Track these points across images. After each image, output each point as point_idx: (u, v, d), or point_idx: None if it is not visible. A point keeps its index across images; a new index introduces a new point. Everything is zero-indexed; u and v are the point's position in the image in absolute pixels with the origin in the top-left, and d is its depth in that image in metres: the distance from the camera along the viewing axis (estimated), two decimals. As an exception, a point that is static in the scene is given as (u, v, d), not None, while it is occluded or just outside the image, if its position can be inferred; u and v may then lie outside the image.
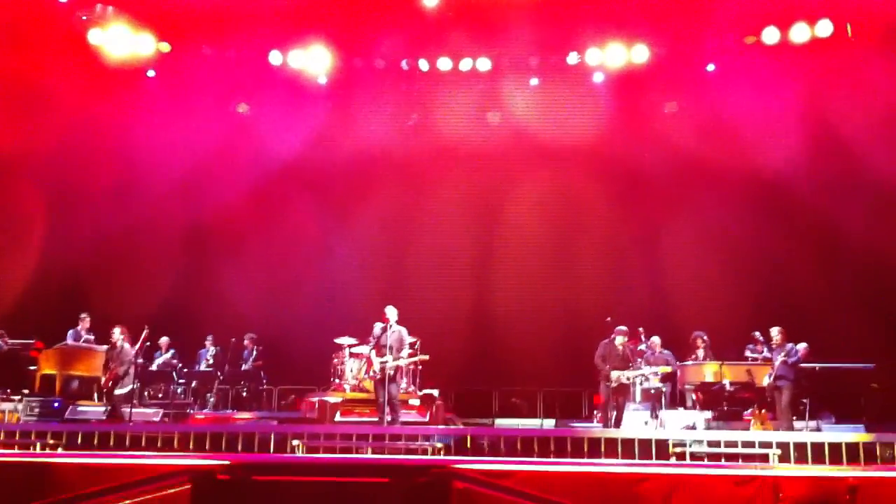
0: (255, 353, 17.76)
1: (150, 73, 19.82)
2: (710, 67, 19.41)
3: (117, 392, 15.30)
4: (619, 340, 15.17)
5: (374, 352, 14.89)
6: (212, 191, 19.87)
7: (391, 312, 14.92)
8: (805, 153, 18.53)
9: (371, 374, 14.96)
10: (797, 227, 18.89)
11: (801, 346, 15.29)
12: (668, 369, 15.74)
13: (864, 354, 16.22)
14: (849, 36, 17.94)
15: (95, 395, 16.22)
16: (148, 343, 15.84)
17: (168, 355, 17.53)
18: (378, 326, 15.11)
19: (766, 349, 15.73)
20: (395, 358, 14.66)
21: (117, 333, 15.49)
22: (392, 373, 14.63)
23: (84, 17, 18.54)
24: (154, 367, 17.22)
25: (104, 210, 19.42)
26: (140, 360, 15.90)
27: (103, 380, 15.44)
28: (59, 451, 13.30)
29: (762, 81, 19.04)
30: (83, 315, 16.83)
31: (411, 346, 15.26)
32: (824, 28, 17.96)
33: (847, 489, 10.58)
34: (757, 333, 16.04)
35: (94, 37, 18.78)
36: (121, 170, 19.68)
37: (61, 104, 18.62)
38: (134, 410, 15.00)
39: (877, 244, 17.72)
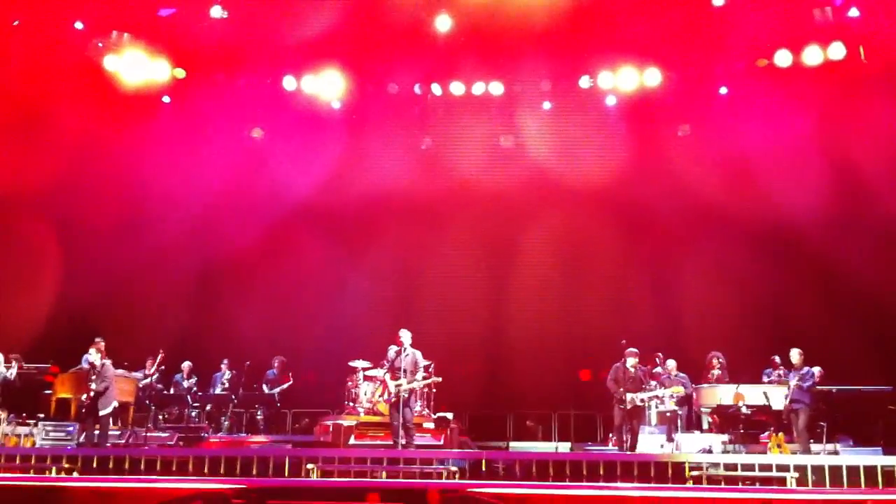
0: (290, 377, 17.81)
1: (166, 100, 19.92)
2: (723, 91, 19.38)
3: (102, 412, 15.00)
4: (631, 362, 15.12)
5: (388, 375, 14.89)
6: (225, 219, 19.97)
7: (405, 336, 14.91)
8: (815, 183, 18.40)
9: (386, 397, 14.94)
10: (807, 256, 18.78)
11: (816, 370, 15.21)
12: (682, 391, 15.67)
13: (881, 378, 16.11)
14: (862, 59, 17.88)
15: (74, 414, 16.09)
16: (163, 367, 15.86)
17: (192, 381, 17.55)
18: (392, 350, 15.12)
19: (782, 372, 15.65)
20: (409, 381, 14.64)
21: (93, 353, 15.20)
22: (406, 395, 14.61)
23: (100, 44, 18.67)
24: (182, 390, 17.21)
25: (119, 239, 19.45)
26: (151, 381, 15.92)
27: (83, 397, 14.97)
28: (75, 475, 13.30)
29: (774, 105, 19.04)
30: (98, 339, 16.84)
31: (425, 368, 15.24)
32: (837, 51, 17.93)
33: (866, 512, 10.52)
34: (776, 358, 15.96)
35: (110, 63, 18.91)
36: (135, 199, 19.79)
37: (76, 132, 18.72)
38: (149, 434, 15.00)
39: (886, 272, 17.62)
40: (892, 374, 16.26)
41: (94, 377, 14.96)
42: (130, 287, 19.35)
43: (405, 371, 14.65)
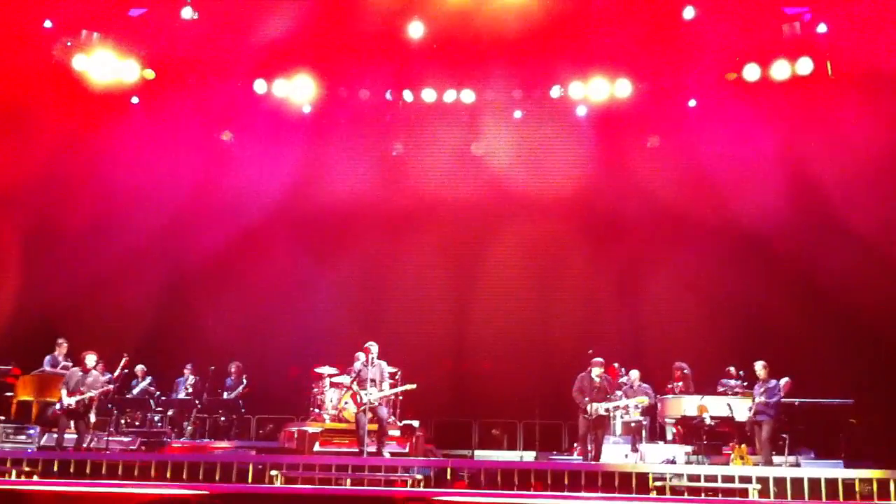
0: (244, 381, 17.73)
1: (135, 101, 19.75)
2: (692, 103, 19.52)
3: (93, 419, 15.07)
4: (596, 372, 15.13)
5: (356, 385, 14.87)
6: (193, 222, 19.84)
7: (374, 348, 14.95)
8: (783, 194, 18.60)
9: (360, 404, 14.89)
10: (774, 268, 18.93)
11: (784, 381, 15.32)
12: (646, 400, 15.74)
13: (843, 391, 16.29)
14: (829, 75, 18.08)
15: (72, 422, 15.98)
16: (126, 371, 15.72)
17: (145, 383, 17.42)
18: (359, 362, 15.13)
19: (739, 382, 15.80)
20: (379, 390, 14.65)
21: (93, 360, 15.23)
22: (376, 404, 14.63)
23: (69, 43, 18.48)
24: (135, 394, 17.09)
25: (85, 241, 19.28)
26: (112, 387, 15.80)
27: (66, 402, 14.85)
28: (35, 478, 13.14)
29: (743, 119, 19.17)
30: (60, 341, 16.70)
31: (391, 376, 15.24)
32: (805, 66, 18.12)
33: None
34: (731, 368, 16.08)
35: (79, 63, 18.72)
36: (103, 200, 19.57)
37: (44, 132, 18.48)
38: (110, 439, 14.86)
39: (852, 285, 17.77)
40: (854, 387, 16.43)
41: (89, 381, 14.93)
42: (95, 289, 19.12)
43: (373, 381, 14.69)
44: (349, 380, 15.40)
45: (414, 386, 15.11)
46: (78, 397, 14.83)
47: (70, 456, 13.92)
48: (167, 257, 19.79)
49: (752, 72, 18.48)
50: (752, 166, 19.00)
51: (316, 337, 18.95)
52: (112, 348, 16.99)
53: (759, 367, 15.17)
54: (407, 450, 15.37)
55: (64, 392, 14.90)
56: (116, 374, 15.41)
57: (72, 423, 14.96)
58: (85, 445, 14.94)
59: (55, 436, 14.99)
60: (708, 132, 19.32)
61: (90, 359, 15.23)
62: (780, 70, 18.31)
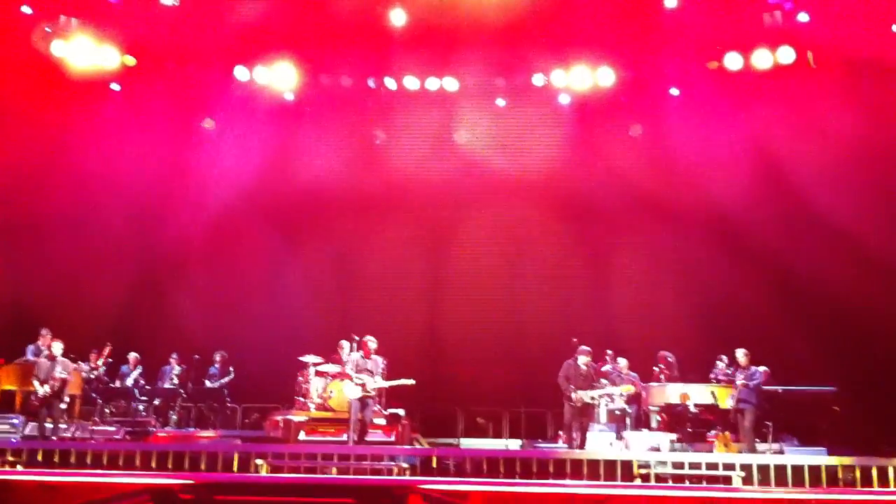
0: (230, 371, 17.73)
1: (115, 87, 19.59)
2: (674, 91, 19.58)
3: (63, 406, 15.02)
4: (583, 360, 15.16)
5: (353, 372, 14.90)
6: (171, 210, 19.74)
7: (372, 344, 15.09)
8: (762, 182, 18.76)
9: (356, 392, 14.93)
10: (752, 255, 19.02)
11: (762, 369, 15.43)
12: (632, 389, 15.82)
13: (825, 379, 16.42)
14: (810, 65, 18.19)
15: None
16: (111, 360, 15.66)
17: (137, 372, 17.35)
18: (358, 355, 15.14)
19: (729, 371, 15.88)
20: (374, 380, 14.80)
21: (60, 347, 15.15)
22: (371, 395, 14.75)
23: (48, 29, 18.28)
24: (128, 383, 17.02)
25: (64, 229, 19.15)
26: (94, 375, 15.74)
27: (41, 392, 14.78)
28: (19, 468, 13.06)
29: (724, 108, 19.27)
30: (44, 331, 16.54)
31: (382, 371, 15.32)
32: (786, 55, 18.22)
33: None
34: (723, 357, 16.18)
35: (57, 49, 18.52)
36: (81, 187, 19.40)
37: (21, 120, 18.34)
38: (95, 428, 14.79)
39: (832, 273, 17.94)
40: (836, 374, 16.58)
41: (58, 368, 14.87)
42: (76, 278, 18.97)
43: (371, 372, 14.87)
44: (337, 369, 15.38)
45: (412, 381, 15.21)
46: (50, 383, 14.76)
47: (54, 445, 13.81)
48: (147, 245, 19.66)
49: (733, 61, 18.62)
50: (733, 155, 19.15)
51: (296, 324, 18.91)
52: (93, 337, 16.96)
53: (741, 354, 15.25)
54: (393, 438, 15.37)
55: (36, 383, 14.86)
56: (101, 361, 15.32)
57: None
58: (68, 435, 14.86)
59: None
60: (689, 121, 19.40)
61: (56, 346, 15.18)
62: (762, 59, 18.44)
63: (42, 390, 14.79)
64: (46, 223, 19.01)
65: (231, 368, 17.86)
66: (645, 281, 19.47)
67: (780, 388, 15.87)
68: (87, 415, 16.19)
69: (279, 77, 19.45)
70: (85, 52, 18.66)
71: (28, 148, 18.56)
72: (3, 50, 18.19)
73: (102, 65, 18.97)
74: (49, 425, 14.79)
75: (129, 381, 17.18)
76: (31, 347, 16.44)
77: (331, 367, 16.04)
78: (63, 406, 15.05)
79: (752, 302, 18.74)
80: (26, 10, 17.99)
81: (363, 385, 14.71)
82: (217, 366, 17.89)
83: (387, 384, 15.12)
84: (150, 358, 17.76)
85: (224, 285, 19.78)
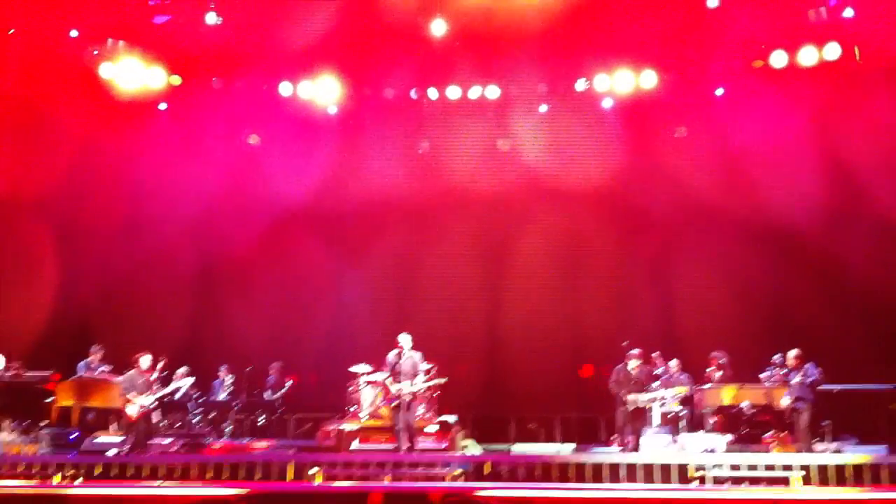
0: (287, 382, 17.88)
1: (162, 107, 19.90)
2: (719, 92, 19.43)
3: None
4: (633, 364, 15.12)
5: (389, 379, 14.91)
6: (222, 224, 19.99)
7: (405, 340, 15.00)
8: (812, 182, 18.47)
9: (388, 400, 14.97)
10: (805, 254, 18.80)
11: (817, 368, 15.20)
12: (685, 390, 15.67)
13: (883, 376, 16.14)
14: (857, 60, 17.95)
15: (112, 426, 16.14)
16: (165, 373, 15.82)
17: (187, 384, 17.49)
18: (392, 354, 15.13)
19: (783, 371, 15.67)
20: (411, 383, 14.66)
21: (148, 361, 15.35)
22: (409, 399, 14.65)
23: (95, 52, 18.62)
24: (178, 396, 17.19)
25: (115, 245, 19.48)
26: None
27: (143, 404, 15.04)
28: (78, 482, 13.23)
29: (770, 107, 19.07)
30: (94, 348, 16.79)
31: (426, 372, 15.25)
32: (832, 51, 17.98)
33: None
34: (776, 357, 15.99)
35: (105, 71, 18.85)
36: (132, 205, 19.78)
37: (73, 138, 18.74)
38: (151, 441, 14.99)
39: (885, 270, 17.69)
40: (894, 372, 16.30)
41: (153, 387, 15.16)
42: (128, 293, 19.35)
43: (405, 374, 14.73)
44: (384, 376, 15.41)
45: (445, 380, 15.15)
46: (151, 397, 15.07)
47: (112, 460, 14.00)
48: (198, 260, 19.94)
49: (779, 59, 18.37)
50: (781, 154, 18.91)
51: (349, 335, 19.01)
52: (145, 350, 17.14)
53: (792, 356, 15.08)
54: (445, 445, 15.37)
55: (134, 395, 15.00)
56: (155, 376, 15.47)
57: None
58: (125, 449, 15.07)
59: (97, 440, 15.11)
60: (736, 121, 19.22)
61: (145, 360, 15.34)
62: (808, 56, 18.16)
63: (143, 401, 14.98)
64: (99, 239, 19.29)
65: (287, 379, 17.94)
66: (698, 282, 19.27)
67: (836, 388, 15.65)
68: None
69: (323, 91, 19.60)
70: (132, 73, 18.96)
71: (82, 166, 18.95)
72: (57, 72, 18.54)
73: (149, 85, 19.27)
74: (109, 440, 15.00)
75: (180, 395, 17.35)
76: (81, 364, 16.65)
77: (380, 376, 16.06)
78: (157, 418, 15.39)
79: (809, 300, 18.46)
80: (74, 33, 18.32)
81: (399, 392, 14.67)
82: (273, 377, 17.99)
83: (421, 387, 15.04)
84: (202, 370, 17.91)
85: (276, 298, 19.97)
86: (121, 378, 15.45)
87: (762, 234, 19.06)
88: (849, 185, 18.34)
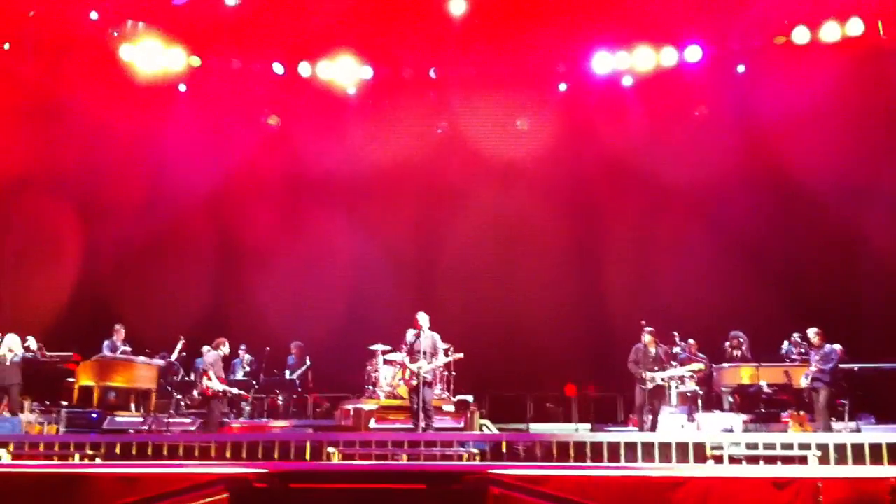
0: (307, 360, 17.91)
1: (182, 88, 19.98)
2: (741, 69, 19.24)
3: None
4: (647, 340, 15.06)
5: (408, 358, 14.93)
6: (242, 203, 20.10)
7: (423, 318, 14.99)
8: (835, 157, 18.23)
9: (406, 378, 15.00)
10: (824, 231, 18.65)
11: (838, 347, 15.10)
12: (702, 366, 15.61)
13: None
14: (881, 35, 17.71)
15: (133, 405, 16.31)
16: (184, 353, 15.95)
17: (247, 360, 17.66)
18: (411, 333, 15.15)
19: (804, 349, 15.58)
20: (429, 362, 14.70)
21: (211, 350, 15.50)
22: (428, 378, 14.69)
23: (115, 34, 18.71)
24: (238, 376, 17.30)
25: (135, 225, 19.64)
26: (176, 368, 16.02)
27: (217, 387, 15.15)
28: (97, 461, 13.39)
29: (792, 83, 18.83)
30: (118, 326, 16.94)
31: (445, 352, 15.25)
32: (855, 27, 17.76)
33: (890, 490, 10.38)
34: (796, 335, 15.88)
35: (126, 53, 18.96)
36: (151, 185, 19.88)
37: (93, 120, 18.93)
38: (171, 420, 15.12)
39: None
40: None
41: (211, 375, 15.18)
42: (148, 273, 19.49)
43: (424, 353, 14.73)
44: (402, 355, 15.43)
45: (461, 355, 15.16)
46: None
47: (132, 438, 14.16)
48: (217, 239, 20.06)
49: (801, 35, 18.20)
50: (802, 132, 18.66)
51: (368, 314, 19.03)
52: (167, 331, 17.31)
53: (813, 333, 14.98)
54: (462, 424, 15.39)
55: (212, 375, 15.13)
56: (175, 356, 15.61)
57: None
58: (145, 428, 15.21)
59: (118, 419, 15.29)
60: (757, 98, 19.03)
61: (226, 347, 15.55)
62: (830, 32, 17.99)
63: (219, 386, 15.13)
64: (121, 219, 19.50)
65: (308, 357, 18.05)
66: (717, 260, 19.13)
67: (855, 366, 15.54)
68: (162, 408, 16.53)
69: (342, 71, 19.62)
70: (152, 54, 19.04)
71: (104, 145, 19.13)
72: (77, 54, 18.67)
73: (169, 67, 19.36)
74: (132, 419, 15.17)
75: (238, 374, 17.50)
76: (107, 343, 16.81)
77: (398, 356, 16.09)
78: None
79: (828, 278, 18.33)
80: (94, 15, 18.41)
81: (417, 370, 14.72)
82: (293, 356, 18.09)
83: (438, 363, 15.06)
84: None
85: (295, 277, 20.02)
86: (207, 358, 15.55)
87: (782, 212, 18.94)
88: (871, 159, 18.12)
